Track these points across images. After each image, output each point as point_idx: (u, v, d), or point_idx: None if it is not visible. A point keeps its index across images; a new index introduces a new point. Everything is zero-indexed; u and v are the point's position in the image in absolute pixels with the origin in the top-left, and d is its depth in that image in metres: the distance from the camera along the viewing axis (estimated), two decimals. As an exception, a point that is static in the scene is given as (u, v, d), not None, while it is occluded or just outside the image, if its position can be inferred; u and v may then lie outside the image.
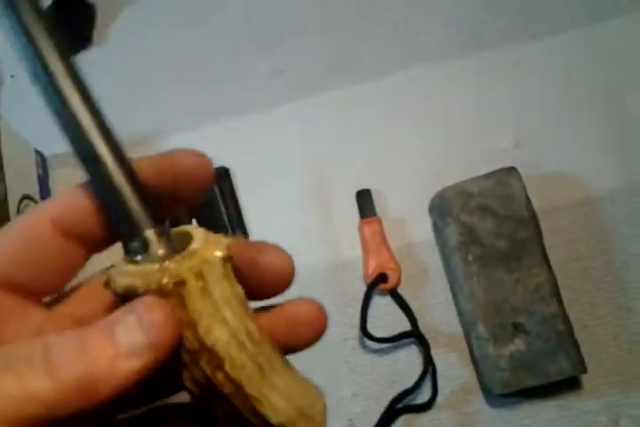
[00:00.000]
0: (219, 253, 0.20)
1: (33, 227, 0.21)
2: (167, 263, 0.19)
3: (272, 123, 0.63)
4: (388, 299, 0.56)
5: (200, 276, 0.19)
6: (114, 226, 0.21)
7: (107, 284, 0.20)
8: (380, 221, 0.58)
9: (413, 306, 0.55)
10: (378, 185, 0.60)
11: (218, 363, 0.20)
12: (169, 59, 0.68)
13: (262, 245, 0.23)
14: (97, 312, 0.22)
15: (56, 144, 0.66)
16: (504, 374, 0.50)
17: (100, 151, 0.20)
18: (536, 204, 0.54)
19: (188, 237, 0.21)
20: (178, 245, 0.20)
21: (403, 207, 0.59)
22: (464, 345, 0.54)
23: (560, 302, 0.51)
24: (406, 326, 0.55)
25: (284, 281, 0.22)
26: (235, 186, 0.62)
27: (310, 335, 0.23)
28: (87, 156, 0.20)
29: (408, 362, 0.54)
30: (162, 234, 0.20)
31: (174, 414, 0.24)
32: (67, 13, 0.70)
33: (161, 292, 0.19)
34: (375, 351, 0.55)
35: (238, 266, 0.21)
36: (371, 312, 0.56)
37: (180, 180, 0.21)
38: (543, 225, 0.54)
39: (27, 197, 0.57)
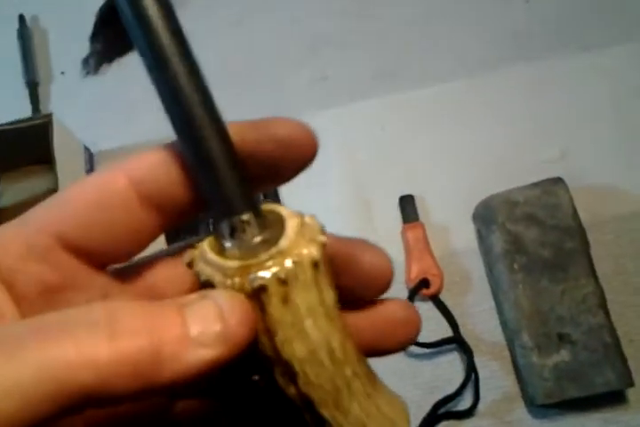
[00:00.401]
0: (311, 254, 0.18)
1: (110, 187, 0.18)
2: (250, 263, 0.17)
3: (317, 127, 0.63)
4: (430, 305, 0.56)
5: (284, 281, 0.17)
6: (203, 200, 0.19)
7: (189, 264, 0.19)
8: (422, 227, 0.58)
9: (455, 313, 0.55)
10: (421, 191, 0.60)
11: (291, 377, 0.18)
12: (214, 62, 0.68)
13: (361, 243, 0.20)
14: (175, 292, 0.19)
15: (102, 141, 0.67)
16: (547, 383, 0.49)
17: (198, 116, 0.18)
18: (581, 216, 0.54)
19: (280, 222, 0.18)
20: (268, 234, 0.18)
21: (445, 214, 0.59)
22: (506, 354, 0.54)
23: (607, 313, 0.51)
24: (447, 333, 0.54)
25: (384, 284, 0.20)
26: (277, 191, 0.62)
27: (406, 337, 0.21)
28: (183, 120, 0.18)
29: (449, 368, 0.53)
30: (252, 221, 0.18)
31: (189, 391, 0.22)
32: (117, 16, 0.71)
33: (240, 291, 0.17)
34: (417, 356, 0.54)
35: (334, 263, 0.19)
36: (412, 317, 0.55)
37: (282, 150, 0.19)
38: (588, 238, 0.53)
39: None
